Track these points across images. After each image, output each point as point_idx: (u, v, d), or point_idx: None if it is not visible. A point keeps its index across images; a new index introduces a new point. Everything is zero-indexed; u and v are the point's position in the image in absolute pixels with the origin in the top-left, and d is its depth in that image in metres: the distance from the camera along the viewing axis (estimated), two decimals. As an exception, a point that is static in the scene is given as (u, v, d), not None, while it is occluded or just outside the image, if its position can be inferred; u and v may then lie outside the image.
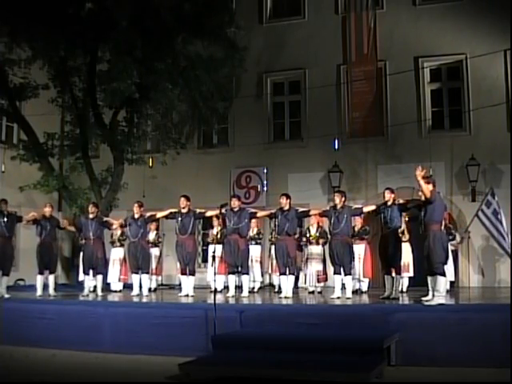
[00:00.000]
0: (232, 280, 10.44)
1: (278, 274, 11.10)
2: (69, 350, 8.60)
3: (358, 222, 11.66)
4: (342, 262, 9.70)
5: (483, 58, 14.56)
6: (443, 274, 8.05)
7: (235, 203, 10.32)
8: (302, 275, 12.13)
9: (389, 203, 9.70)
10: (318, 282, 11.35)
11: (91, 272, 11.11)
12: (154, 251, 12.58)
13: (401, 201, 9.62)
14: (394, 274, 9.79)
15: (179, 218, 10.41)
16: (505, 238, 12.99)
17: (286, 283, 10.14)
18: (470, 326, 7.32)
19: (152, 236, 12.52)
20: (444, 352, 7.25)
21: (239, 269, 10.35)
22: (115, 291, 12.27)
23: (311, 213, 10.56)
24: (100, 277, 11.18)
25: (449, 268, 11.27)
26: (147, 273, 10.99)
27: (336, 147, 15.00)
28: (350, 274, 9.90)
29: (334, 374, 6.11)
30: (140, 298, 10.39)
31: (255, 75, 16.76)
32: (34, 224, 11.38)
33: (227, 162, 16.66)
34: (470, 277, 14.30)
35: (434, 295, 8.12)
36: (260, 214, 10.80)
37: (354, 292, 11.69)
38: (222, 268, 11.65)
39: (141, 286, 10.80)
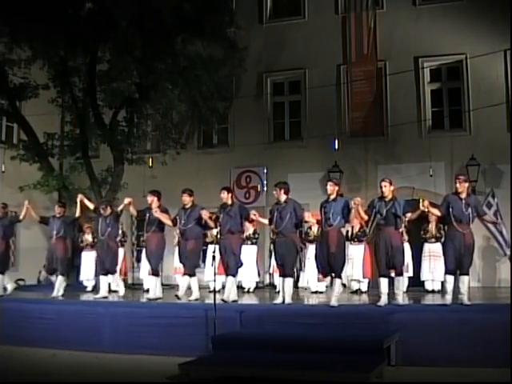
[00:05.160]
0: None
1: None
2: (69, 350, 8.60)
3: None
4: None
5: (483, 57, 14.53)
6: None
7: (186, 199, 9.50)
8: (302, 275, 12.13)
9: (331, 197, 8.49)
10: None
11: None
12: (120, 251, 12.04)
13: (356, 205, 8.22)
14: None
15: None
16: (506, 240, 12.99)
17: (231, 285, 9.19)
18: (470, 326, 7.33)
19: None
20: (444, 352, 7.25)
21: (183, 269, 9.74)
22: (115, 291, 12.24)
23: (253, 218, 9.18)
24: (60, 278, 10.56)
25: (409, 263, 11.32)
26: (113, 273, 10.55)
27: (336, 147, 14.96)
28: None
29: (334, 373, 6.11)
30: (139, 298, 10.40)
31: (255, 75, 16.75)
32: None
33: (227, 162, 16.63)
34: (470, 277, 14.26)
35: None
36: (204, 212, 9.37)
37: (354, 292, 11.71)
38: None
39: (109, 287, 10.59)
